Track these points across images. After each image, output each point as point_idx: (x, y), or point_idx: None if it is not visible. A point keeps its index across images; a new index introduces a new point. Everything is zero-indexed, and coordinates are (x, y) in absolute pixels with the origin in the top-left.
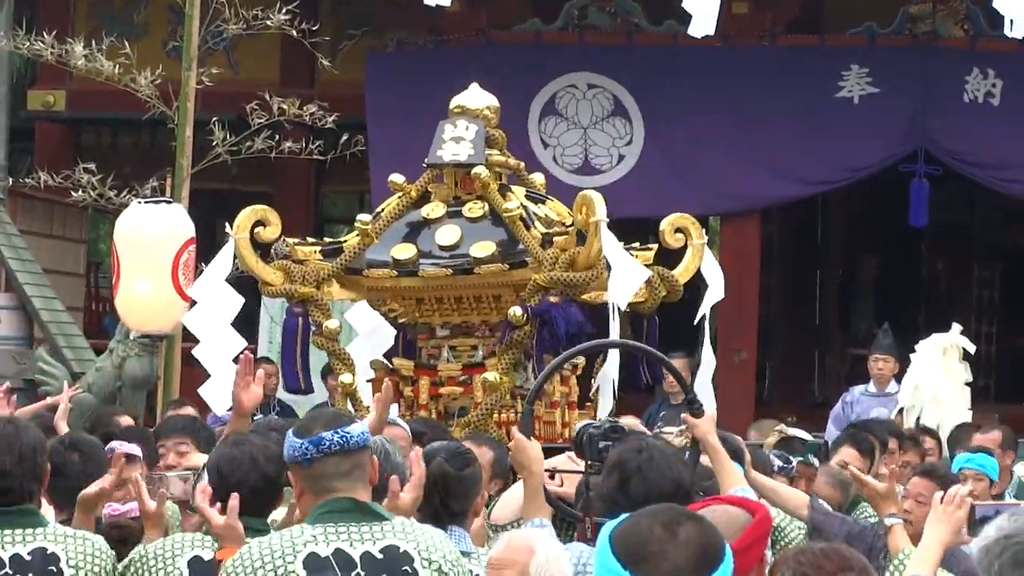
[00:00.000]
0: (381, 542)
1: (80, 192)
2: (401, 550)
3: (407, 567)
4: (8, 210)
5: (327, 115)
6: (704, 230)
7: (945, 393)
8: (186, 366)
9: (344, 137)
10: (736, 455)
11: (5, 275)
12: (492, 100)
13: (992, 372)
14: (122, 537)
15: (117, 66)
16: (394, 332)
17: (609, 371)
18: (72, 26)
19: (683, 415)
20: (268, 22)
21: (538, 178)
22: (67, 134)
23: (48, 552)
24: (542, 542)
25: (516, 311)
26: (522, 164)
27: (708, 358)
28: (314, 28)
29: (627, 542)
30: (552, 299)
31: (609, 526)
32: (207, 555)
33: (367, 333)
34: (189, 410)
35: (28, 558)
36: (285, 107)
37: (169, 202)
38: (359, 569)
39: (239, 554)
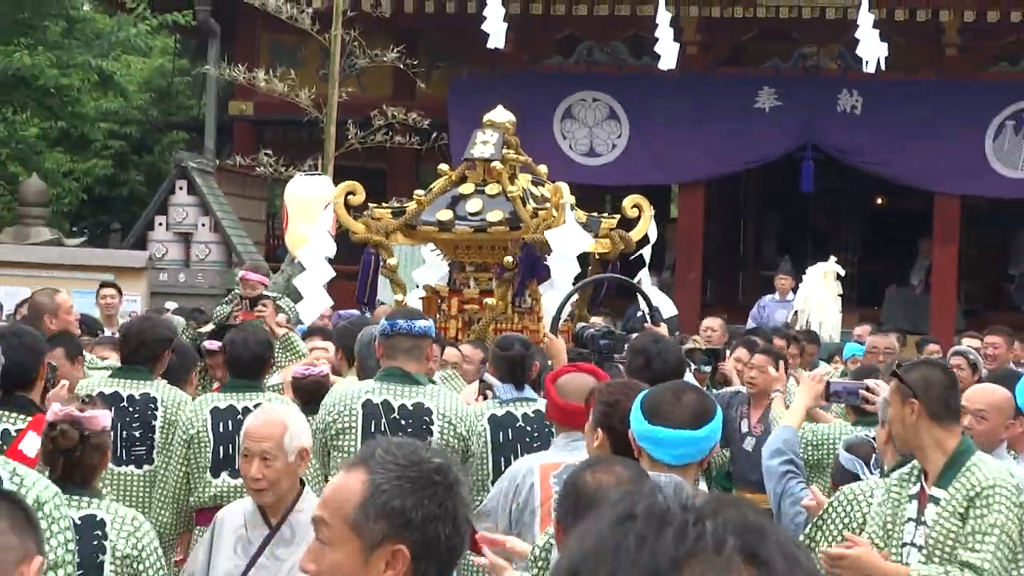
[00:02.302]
0: (413, 399)
1: (262, 168)
2: (425, 406)
3: (426, 417)
4: (216, 180)
5: (422, 119)
6: (651, 204)
7: (825, 301)
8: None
9: (434, 135)
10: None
11: (214, 221)
12: (511, 116)
13: (854, 287)
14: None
15: (286, 86)
16: (446, 267)
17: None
18: (256, 59)
19: (646, 325)
20: (384, 58)
21: (542, 168)
22: (254, 131)
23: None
24: (290, 415)
25: (508, 259)
26: (530, 159)
27: (649, 283)
28: (415, 62)
29: (649, 403)
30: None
31: (642, 394)
32: (222, 404)
33: (432, 263)
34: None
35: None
36: (395, 113)
37: (320, 174)
38: (395, 414)
39: (332, 392)
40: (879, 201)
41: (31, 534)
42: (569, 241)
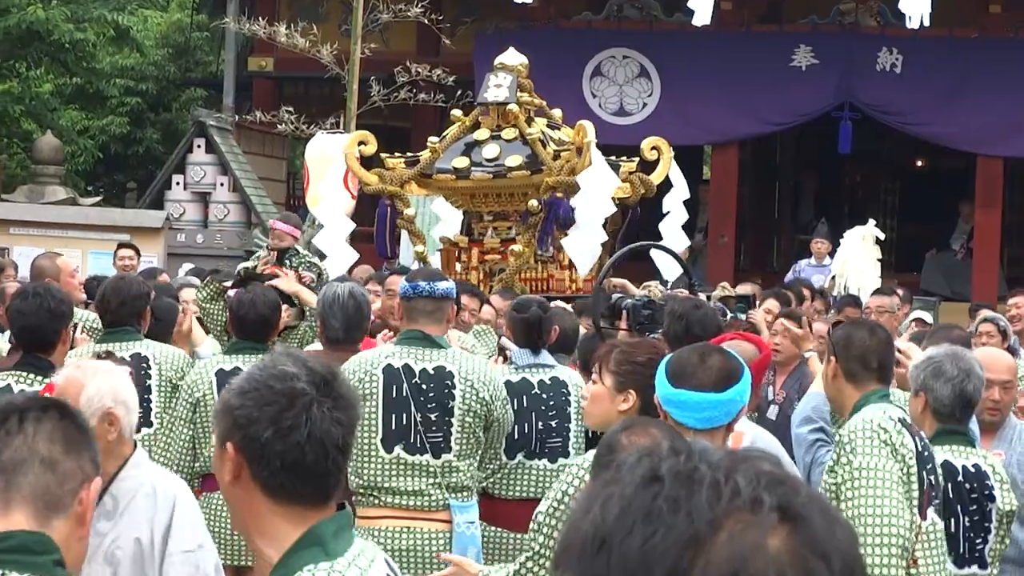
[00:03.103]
0: (435, 363)
1: (282, 125)
2: (447, 370)
3: (448, 381)
4: (235, 137)
5: (447, 76)
6: (672, 149)
7: (863, 266)
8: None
9: (459, 92)
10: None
11: (233, 180)
12: (522, 58)
13: (893, 252)
14: None
15: (307, 41)
16: (461, 216)
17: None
18: (277, 13)
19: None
20: (409, 12)
21: (556, 112)
22: (274, 87)
23: None
24: (96, 375)
25: (533, 203)
26: (544, 103)
27: (676, 240)
28: (439, 17)
29: (673, 366)
30: (558, 195)
31: (667, 357)
32: (228, 366)
33: (447, 218)
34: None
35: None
36: (420, 70)
37: (342, 133)
38: (416, 378)
39: (351, 359)
40: (919, 163)
41: (87, 450)
42: (598, 182)
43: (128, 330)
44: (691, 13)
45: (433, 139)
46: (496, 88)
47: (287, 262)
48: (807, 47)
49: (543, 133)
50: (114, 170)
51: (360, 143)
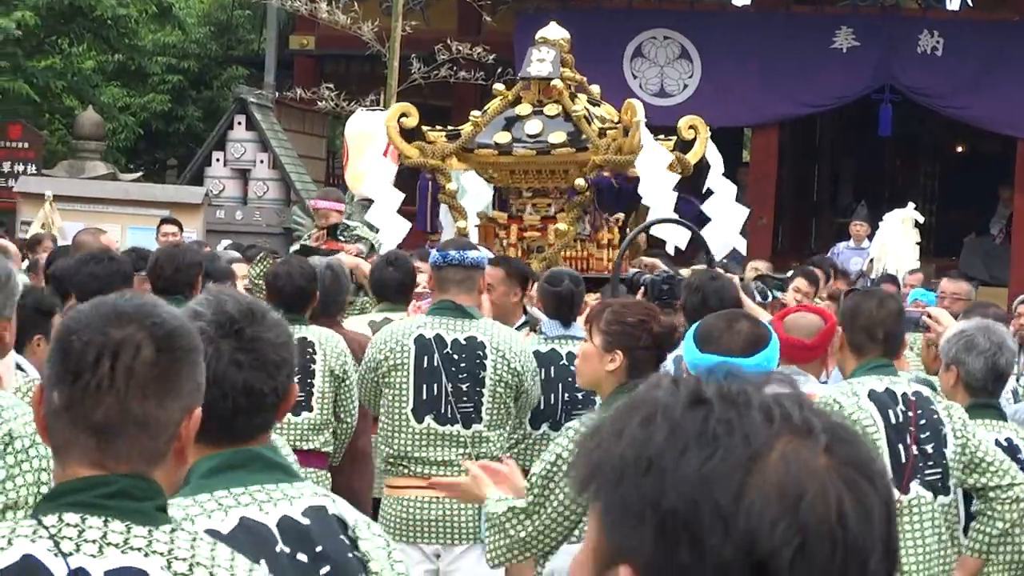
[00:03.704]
0: (467, 333)
1: (323, 103)
2: (478, 340)
3: (480, 352)
4: (275, 115)
5: (488, 55)
6: (709, 128)
7: (902, 249)
8: None
9: (499, 70)
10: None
11: (272, 157)
12: (564, 33)
13: (932, 236)
14: None
15: (348, 18)
16: (492, 192)
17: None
18: None
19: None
20: None
21: (595, 88)
22: (315, 65)
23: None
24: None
25: (580, 182)
26: (585, 79)
27: (734, 214)
28: None
29: (702, 331)
30: (605, 173)
31: (696, 324)
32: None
33: (475, 192)
34: None
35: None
36: (460, 48)
37: (382, 110)
38: (448, 349)
39: (383, 328)
40: (959, 147)
41: (187, 383)
42: (654, 162)
43: (179, 299)
44: None
45: (475, 113)
46: (539, 63)
47: (340, 237)
48: (848, 29)
49: (587, 110)
50: (155, 147)
51: (401, 115)
